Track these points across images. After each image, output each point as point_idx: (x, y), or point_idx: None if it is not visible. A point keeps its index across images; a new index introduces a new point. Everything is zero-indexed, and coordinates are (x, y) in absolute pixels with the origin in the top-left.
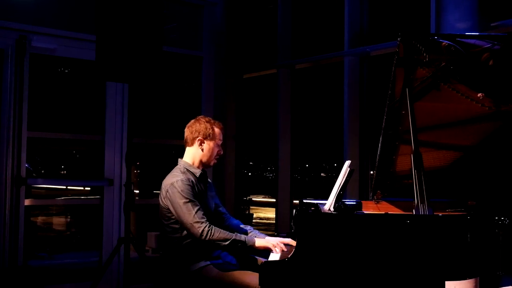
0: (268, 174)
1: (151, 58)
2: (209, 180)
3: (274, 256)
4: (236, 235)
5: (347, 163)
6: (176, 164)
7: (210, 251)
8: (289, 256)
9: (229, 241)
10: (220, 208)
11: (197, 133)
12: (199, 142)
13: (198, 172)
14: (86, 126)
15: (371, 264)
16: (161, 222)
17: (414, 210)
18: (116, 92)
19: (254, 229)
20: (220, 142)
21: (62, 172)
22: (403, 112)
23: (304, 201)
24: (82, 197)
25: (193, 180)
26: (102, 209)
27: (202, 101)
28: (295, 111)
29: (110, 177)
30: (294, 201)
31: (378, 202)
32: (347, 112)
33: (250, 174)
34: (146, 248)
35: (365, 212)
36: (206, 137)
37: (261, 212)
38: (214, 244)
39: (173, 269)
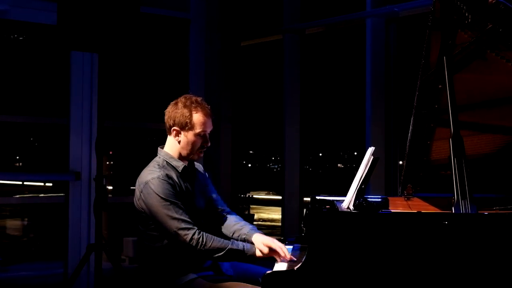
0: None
1: (126, 21)
2: (199, 170)
3: (280, 266)
4: (232, 243)
5: (370, 150)
6: (156, 155)
7: (200, 261)
8: (298, 265)
9: (224, 251)
10: (218, 205)
11: (172, 121)
12: (174, 132)
13: (180, 166)
14: (46, 106)
15: (399, 275)
16: (138, 227)
17: (453, 208)
18: (83, 64)
19: (255, 229)
20: (204, 132)
21: (17, 164)
22: (440, 86)
23: (317, 197)
24: (42, 195)
25: (175, 176)
26: (67, 209)
27: (190, 75)
28: (305, 87)
29: (77, 169)
30: (305, 199)
31: (408, 199)
32: (370, 88)
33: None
34: (122, 257)
35: (392, 210)
36: (182, 127)
37: (264, 212)
38: (205, 254)
39: (154, 283)
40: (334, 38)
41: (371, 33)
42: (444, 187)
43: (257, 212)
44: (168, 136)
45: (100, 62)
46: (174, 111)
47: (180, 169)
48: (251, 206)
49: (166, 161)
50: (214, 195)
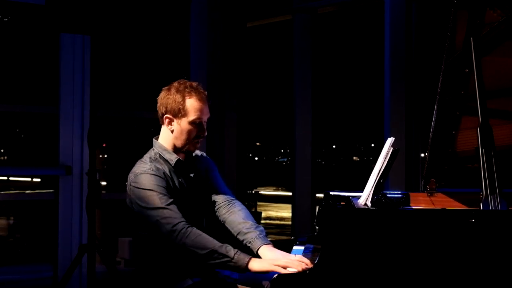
0: (281, 158)
1: (120, 1)
2: (201, 160)
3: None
4: (223, 247)
5: (390, 140)
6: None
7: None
8: (311, 267)
9: (206, 251)
10: (223, 197)
11: (164, 109)
12: (167, 121)
13: (173, 159)
14: (33, 94)
15: (421, 278)
16: (132, 228)
17: (481, 204)
18: (74, 47)
19: (263, 232)
20: (199, 119)
21: (2, 157)
22: (467, 70)
23: (331, 193)
24: (29, 191)
25: (167, 170)
26: (57, 206)
27: (191, 60)
28: (317, 72)
29: (67, 163)
30: (317, 195)
31: (432, 194)
32: (389, 73)
33: (257, 158)
34: (117, 259)
35: (414, 207)
36: (175, 114)
37: (273, 210)
38: (186, 250)
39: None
40: (349, 18)
41: (390, 12)
42: (471, 181)
43: (264, 210)
44: (162, 126)
45: (92, 45)
46: (166, 97)
47: (173, 162)
48: (258, 203)
49: (160, 154)
50: (219, 186)
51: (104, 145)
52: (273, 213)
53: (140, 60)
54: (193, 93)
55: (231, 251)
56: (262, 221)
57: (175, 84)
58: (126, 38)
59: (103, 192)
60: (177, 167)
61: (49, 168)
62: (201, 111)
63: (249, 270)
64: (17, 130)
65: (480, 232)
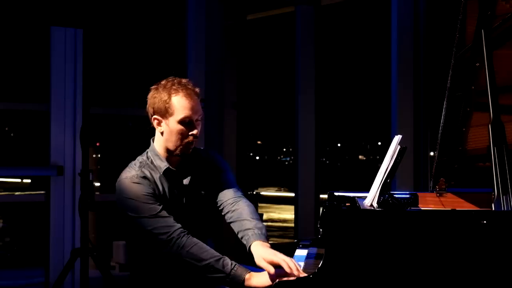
0: (283, 158)
1: None
2: (202, 161)
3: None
4: (220, 261)
5: (397, 138)
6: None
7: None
8: (314, 271)
9: (201, 263)
10: (227, 195)
11: (152, 109)
12: (156, 122)
13: (162, 166)
14: (23, 91)
15: (431, 282)
16: (126, 230)
17: (493, 205)
18: (65, 41)
19: (263, 229)
20: (188, 118)
21: None
22: (477, 64)
23: (336, 194)
24: (19, 193)
25: (157, 177)
26: (48, 208)
27: (188, 54)
28: (321, 66)
29: (59, 163)
30: (321, 196)
31: (441, 195)
32: (396, 67)
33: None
34: (111, 263)
35: (422, 208)
36: (162, 114)
37: (275, 212)
38: (181, 261)
39: None
40: (354, 10)
41: (397, 3)
42: (482, 181)
43: (266, 212)
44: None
45: (85, 39)
46: (153, 97)
47: (161, 170)
48: (259, 204)
49: (152, 160)
50: (225, 188)
51: (97, 144)
52: (275, 215)
53: (135, 54)
54: (180, 90)
55: (227, 265)
56: (264, 223)
57: (163, 81)
58: (120, 32)
59: (96, 193)
60: (166, 175)
61: (40, 168)
62: (189, 108)
63: (245, 285)
64: (6, 128)
65: (492, 234)
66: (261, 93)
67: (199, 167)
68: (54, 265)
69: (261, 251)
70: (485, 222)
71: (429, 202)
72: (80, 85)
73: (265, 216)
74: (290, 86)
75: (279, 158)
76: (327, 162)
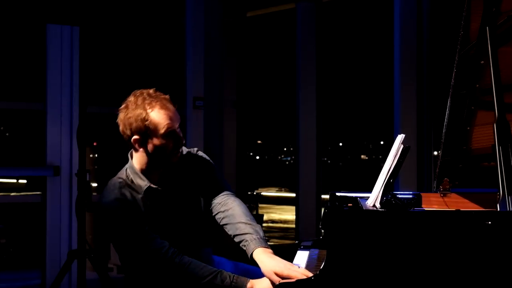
0: (284, 157)
1: None
2: (186, 166)
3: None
4: (217, 277)
5: (400, 138)
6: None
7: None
8: (315, 273)
9: (202, 282)
10: (218, 196)
11: (129, 131)
12: (137, 144)
13: (143, 186)
14: (19, 89)
15: (434, 284)
16: None
17: (498, 206)
18: (62, 39)
19: (260, 236)
20: (171, 129)
21: None
22: (482, 62)
23: (337, 194)
24: (15, 194)
25: (138, 196)
26: (44, 209)
27: (187, 51)
28: (322, 64)
29: (56, 163)
30: (323, 196)
31: (445, 195)
32: (399, 65)
33: (258, 157)
34: (109, 265)
35: (426, 209)
36: (142, 133)
37: (275, 212)
38: (187, 275)
39: None
40: (356, 7)
41: (400, 0)
42: (487, 181)
43: (266, 212)
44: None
45: (81, 37)
46: (127, 117)
47: (142, 190)
48: (259, 205)
49: (131, 179)
50: (213, 188)
51: (94, 143)
52: (275, 216)
53: (132, 52)
54: (154, 102)
55: (226, 279)
56: (264, 224)
57: (131, 98)
58: (118, 29)
59: (93, 194)
60: (148, 195)
61: (36, 168)
62: (170, 119)
63: None
64: (1, 128)
65: (497, 235)
66: (261, 91)
67: (182, 172)
68: (50, 267)
69: (268, 262)
70: (490, 223)
71: (432, 203)
72: (76, 83)
73: (265, 217)
74: (291, 85)
75: (279, 157)
76: (329, 161)
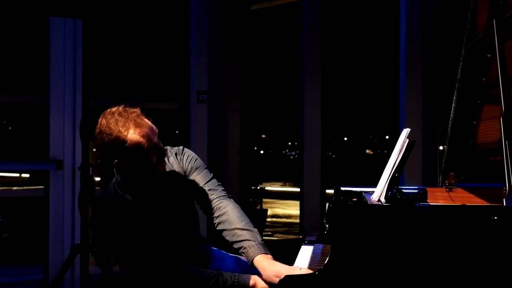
0: (288, 152)
1: None
2: (177, 161)
3: (299, 264)
4: (219, 280)
5: (405, 132)
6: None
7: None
8: (320, 267)
9: (211, 281)
10: (208, 196)
11: (110, 156)
12: (121, 166)
13: (131, 200)
14: (21, 83)
15: (439, 278)
16: None
17: (504, 200)
18: (64, 32)
19: (259, 240)
20: (150, 143)
21: None
22: (489, 55)
23: (342, 189)
24: (17, 188)
25: (126, 209)
26: (47, 204)
27: (191, 46)
28: (328, 58)
29: (58, 157)
30: (327, 191)
31: (450, 190)
32: (405, 58)
33: (262, 152)
34: (112, 260)
35: (431, 203)
36: (124, 156)
37: (279, 207)
38: (190, 277)
39: None
40: (361, 0)
41: None
42: (493, 175)
43: (270, 207)
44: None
45: (84, 29)
46: (104, 144)
47: (132, 203)
48: (263, 199)
49: (119, 192)
50: (202, 188)
51: None
52: (280, 211)
53: (136, 45)
54: (127, 123)
55: (228, 281)
56: (268, 219)
57: (102, 121)
58: (121, 22)
59: (96, 188)
60: (138, 207)
61: (38, 162)
62: (146, 136)
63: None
64: (4, 122)
65: (503, 230)
66: (265, 85)
67: (169, 177)
68: (53, 262)
69: (269, 269)
70: (496, 218)
71: (438, 197)
72: (79, 77)
73: (269, 212)
74: (296, 78)
75: (284, 152)
76: (334, 156)
